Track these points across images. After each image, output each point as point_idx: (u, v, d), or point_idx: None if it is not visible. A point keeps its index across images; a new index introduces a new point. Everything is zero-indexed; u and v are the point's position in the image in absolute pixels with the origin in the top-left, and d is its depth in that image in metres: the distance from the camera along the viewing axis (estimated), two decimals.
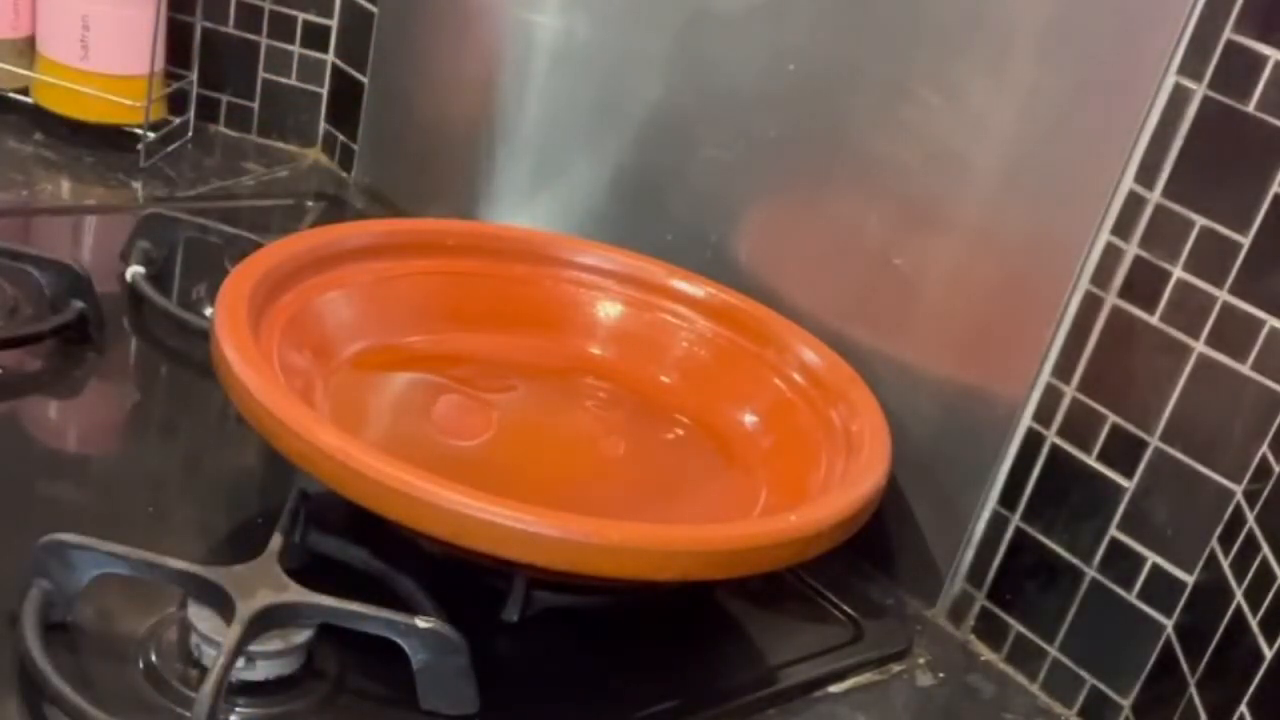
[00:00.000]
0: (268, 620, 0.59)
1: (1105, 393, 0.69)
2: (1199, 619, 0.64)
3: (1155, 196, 0.66)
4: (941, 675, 0.73)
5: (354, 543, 0.67)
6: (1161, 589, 0.67)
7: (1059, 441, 0.71)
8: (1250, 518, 0.62)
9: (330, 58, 1.10)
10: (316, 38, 1.10)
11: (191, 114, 1.10)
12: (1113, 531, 0.69)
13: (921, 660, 0.74)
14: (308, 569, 0.63)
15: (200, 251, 0.91)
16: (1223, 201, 0.63)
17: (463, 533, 0.60)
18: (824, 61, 0.80)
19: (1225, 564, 0.63)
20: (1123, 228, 0.67)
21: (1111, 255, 0.68)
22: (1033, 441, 0.72)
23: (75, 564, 0.59)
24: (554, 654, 0.68)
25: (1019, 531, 0.73)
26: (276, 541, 0.63)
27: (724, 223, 0.86)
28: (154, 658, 0.60)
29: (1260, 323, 0.62)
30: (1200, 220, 0.64)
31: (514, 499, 0.60)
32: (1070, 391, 0.70)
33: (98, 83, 1.03)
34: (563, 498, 0.69)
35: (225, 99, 1.12)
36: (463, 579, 0.66)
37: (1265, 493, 0.61)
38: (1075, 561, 0.71)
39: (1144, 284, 0.67)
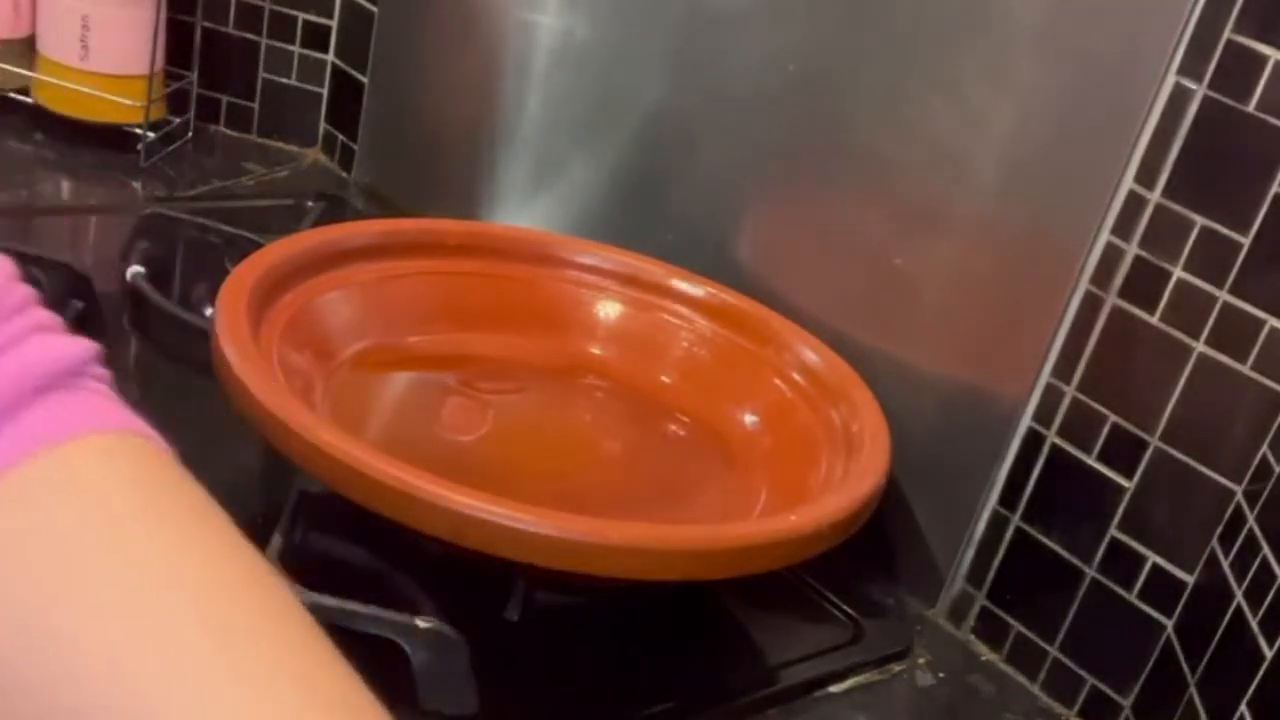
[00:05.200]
0: None
1: (1105, 393, 0.69)
2: (1199, 619, 0.64)
3: (1155, 196, 0.66)
4: (941, 675, 0.73)
5: (354, 543, 0.67)
6: (1161, 589, 0.67)
7: (1059, 441, 0.71)
8: (1250, 518, 0.62)
9: (330, 58, 1.10)
10: (316, 38, 1.10)
11: (191, 114, 1.10)
12: (1113, 531, 0.69)
13: (921, 660, 0.74)
14: (308, 569, 0.63)
15: (200, 251, 0.91)
16: (1223, 201, 0.63)
17: (463, 533, 0.60)
18: (824, 61, 0.80)
19: (1225, 564, 0.63)
20: (1123, 228, 0.67)
21: (1111, 255, 0.68)
22: (1033, 442, 0.72)
23: None
24: (554, 654, 0.68)
25: (1019, 531, 0.73)
26: (276, 541, 0.63)
27: (724, 223, 0.86)
28: None
29: (1260, 323, 0.62)
30: (1200, 220, 0.64)
31: (514, 499, 0.60)
32: (1070, 391, 0.70)
33: (98, 83, 1.03)
34: (563, 498, 0.69)
35: (225, 99, 1.12)
36: (463, 579, 0.66)
37: (1265, 493, 0.61)
38: (1075, 561, 0.71)
39: (1144, 284, 0.67)
